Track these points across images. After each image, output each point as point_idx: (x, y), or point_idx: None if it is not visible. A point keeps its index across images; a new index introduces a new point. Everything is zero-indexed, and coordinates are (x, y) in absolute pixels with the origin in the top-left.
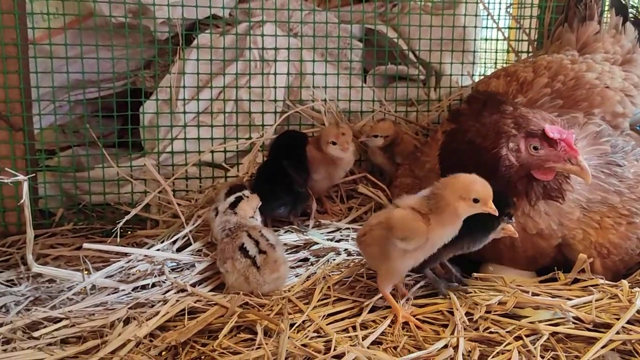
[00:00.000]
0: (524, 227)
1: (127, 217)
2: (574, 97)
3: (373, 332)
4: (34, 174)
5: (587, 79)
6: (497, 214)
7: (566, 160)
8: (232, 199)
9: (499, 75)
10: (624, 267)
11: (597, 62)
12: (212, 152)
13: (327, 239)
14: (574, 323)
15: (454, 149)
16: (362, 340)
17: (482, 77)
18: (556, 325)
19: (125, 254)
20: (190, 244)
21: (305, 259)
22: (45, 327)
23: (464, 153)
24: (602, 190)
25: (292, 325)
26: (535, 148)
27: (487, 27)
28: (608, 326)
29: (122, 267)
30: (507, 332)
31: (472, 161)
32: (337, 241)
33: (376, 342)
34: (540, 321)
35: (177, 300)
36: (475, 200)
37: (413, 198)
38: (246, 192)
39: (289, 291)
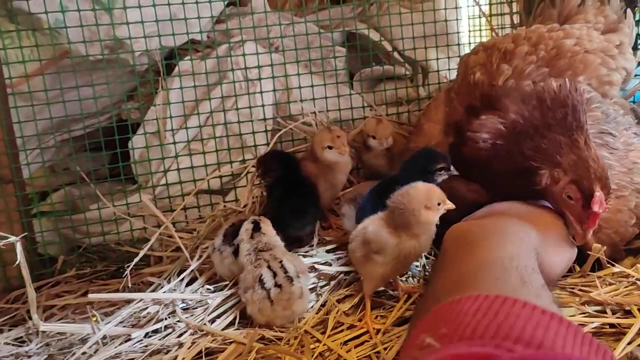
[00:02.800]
0: None
1: (135, 260)
2: (557, 67)
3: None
4: (24, 234)
5: (567, 47)
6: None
7: (580, 223)
8: (250, 225)
9: (477, 50)
10: (621, 240)
11: (575, 28)
12: (208, 180)
13: (335, 258)
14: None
15: (499, 129)
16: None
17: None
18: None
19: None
20: (196, 279)
21: (315, 281)
22: None
23: (507, 136)
24: None
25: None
26: (569, 197)
27: (472, 18)
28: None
29: (132, 311)
30: None
31: (510, 153)
32: (345, 257)
33: None
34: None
35: (193, 343)
36: (438, 204)
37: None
38: (255, 217)
39: (305, 324)
